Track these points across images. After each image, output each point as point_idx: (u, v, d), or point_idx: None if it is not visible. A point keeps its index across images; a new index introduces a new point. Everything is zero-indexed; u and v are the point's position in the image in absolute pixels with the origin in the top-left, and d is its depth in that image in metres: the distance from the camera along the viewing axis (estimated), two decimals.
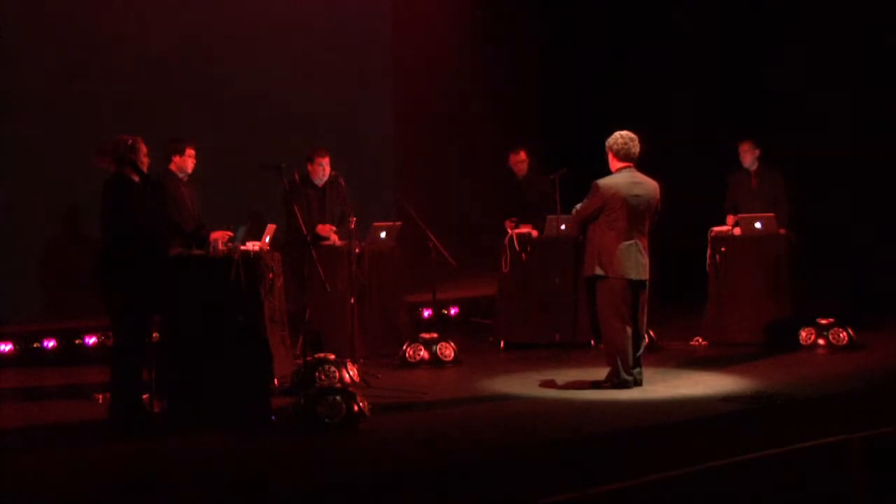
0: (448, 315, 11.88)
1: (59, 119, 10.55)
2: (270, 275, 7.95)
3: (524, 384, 8.40)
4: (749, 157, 10.46)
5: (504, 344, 10.23)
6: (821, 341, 9.74)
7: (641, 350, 8.23)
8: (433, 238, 9.45)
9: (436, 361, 9.26)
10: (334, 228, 9.65)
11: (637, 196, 8.09)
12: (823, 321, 9.78)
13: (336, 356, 8.29)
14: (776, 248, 10.12)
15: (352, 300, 8.95)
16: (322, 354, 8.29)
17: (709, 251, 10.20)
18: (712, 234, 10.24)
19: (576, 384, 8.27)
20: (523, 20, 14.40)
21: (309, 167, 9.65)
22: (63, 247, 10.60)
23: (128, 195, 7.13)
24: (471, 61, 13.69)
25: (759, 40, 13.06)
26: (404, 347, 9.34)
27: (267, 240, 8.43)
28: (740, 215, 10.23)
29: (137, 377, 7.12)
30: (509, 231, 10.23)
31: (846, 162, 12.09)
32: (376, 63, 12.98)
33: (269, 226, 8.62)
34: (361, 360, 8.74)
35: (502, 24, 14.08)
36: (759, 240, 10.12)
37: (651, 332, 9.28)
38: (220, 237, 7.91)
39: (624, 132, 8.21)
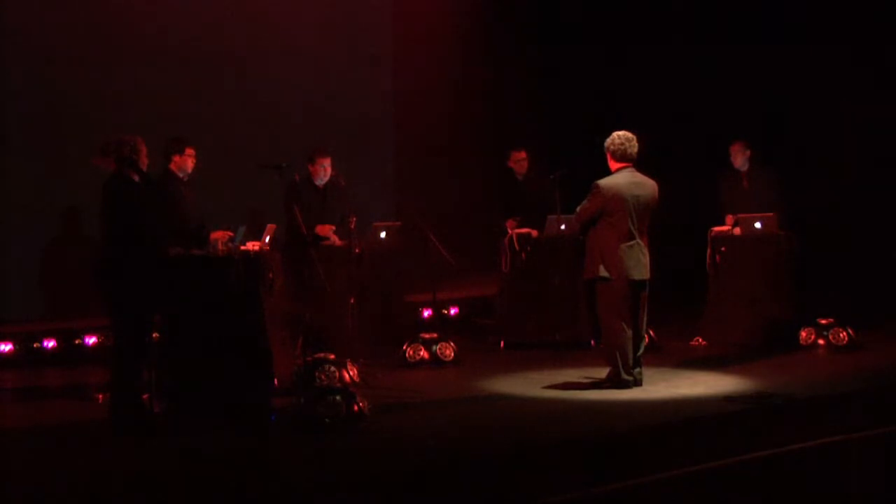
0: (448, 315, 11.86)
1: (60, 119, 10.55)
2: (270, 275, 7.95)
3: (524, 384, 8.39)
4: (740, 157, 10.42)
5: (504, 344, 10.22)
6: (821, 341, 9.73)
7: (641, 350, 8.23)
8: (433, 238, 9.45)
9: (436, 361, 9.25)
10: (334, 228, 9.64)
11: (637, 196, 8.08)
12: (823, 321, 9.77)
13: (336, 356, 8.29)
14: (776, 248, 10.11)
15: (352, 300, 8.94)
16: (322, 354, 8.28)
17: (709, 251, 10.20)
18: (712, 234, 10.24)
19: (576, 384, 8.28)
20: (524, 18, 14.40)
21: (310, 168, 9.64)
22: (63, 247, 10.60)
23: (128, 195, 7.13)
24: (472, 60, 13.68)
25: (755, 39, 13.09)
26: (404, 347, 9.33)
27: (267, 240, 8.42)
28: (740, 215, 10.21)
29: (137, 377, 7.11)
30: (509, 231, 10.23)
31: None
32: (377, 62, 12.98)
33: (268, 226, 8.62)
34: (361, 360, 8.73)
35: (503, 23, 14.08)
36: (759, 240, 10.11)
37: (651, 332, 9.26)
38: (220, 237, 7.91)
39: (621, 132, 8.19)
